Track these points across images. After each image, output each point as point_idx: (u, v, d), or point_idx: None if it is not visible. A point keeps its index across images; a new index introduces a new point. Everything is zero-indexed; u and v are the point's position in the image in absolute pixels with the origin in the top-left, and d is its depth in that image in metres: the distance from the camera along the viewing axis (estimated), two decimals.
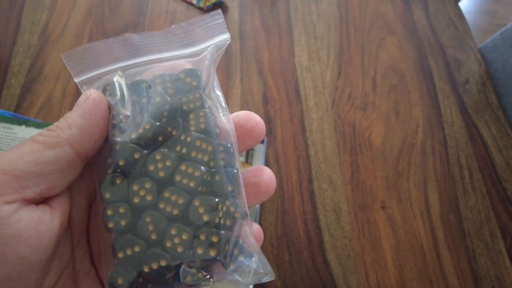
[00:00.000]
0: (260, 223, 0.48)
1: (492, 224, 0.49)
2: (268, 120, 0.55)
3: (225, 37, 0.21)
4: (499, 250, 0.47)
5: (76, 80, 0.20)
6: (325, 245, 0.47)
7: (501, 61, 0.60)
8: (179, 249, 0.17)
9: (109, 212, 0.17)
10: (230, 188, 0.18)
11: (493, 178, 0.52)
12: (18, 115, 0.51)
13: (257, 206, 0.47)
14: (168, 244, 0.17)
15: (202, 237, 0.17)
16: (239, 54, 0.60)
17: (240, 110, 0.55)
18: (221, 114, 0.20)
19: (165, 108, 0.19)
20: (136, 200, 0.18)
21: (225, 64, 0.59)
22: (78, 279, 0.18)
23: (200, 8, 0.64)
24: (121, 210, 0.17)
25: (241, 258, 0.17)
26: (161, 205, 0.17)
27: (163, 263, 0.17)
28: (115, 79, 0.20)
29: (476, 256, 0.47)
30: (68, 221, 0.19)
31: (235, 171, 0.19)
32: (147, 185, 0.18)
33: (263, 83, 0.58)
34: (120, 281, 0.16)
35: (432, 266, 0.46)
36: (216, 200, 0.18)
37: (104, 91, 0.20)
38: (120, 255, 0.17)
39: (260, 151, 0.51)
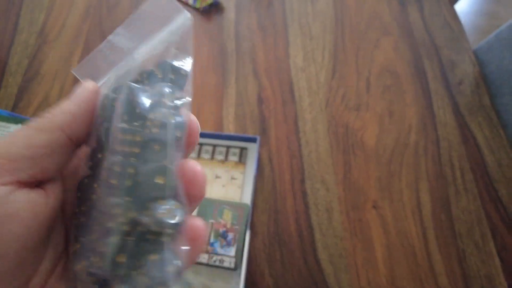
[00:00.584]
0: (252, 222, 0.49)
1: (483, 225, 0.49)
2: (262, 120, 0.55)
3: (186, 16, 0.21)
4: (490, 250, 0.48)
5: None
6: (316, 244, 0.48)
7: (495, 63, 0.61)
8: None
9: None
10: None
11: (485, 179, 0.52)
12: (15, 114, 0.52)
13: (249, 205, 0.47)
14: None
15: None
16: (234, 54, 0.61)
17: (235, 110, 0.56)
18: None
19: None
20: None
21: (221, 64, 0.60)
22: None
23: (196, 9, 0.64)
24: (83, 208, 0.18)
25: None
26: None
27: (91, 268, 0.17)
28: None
29: (466, 256, 0.47)
30: (62, 210, 0.19)
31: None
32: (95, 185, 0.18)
33: (258, 83, 0.58)
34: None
35: (423, 266, 0.47)
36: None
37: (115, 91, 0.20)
38: (75, 248, 0.18)
39: (253, 151, 0.51)
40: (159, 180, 0.17)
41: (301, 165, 0.52)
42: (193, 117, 0.20)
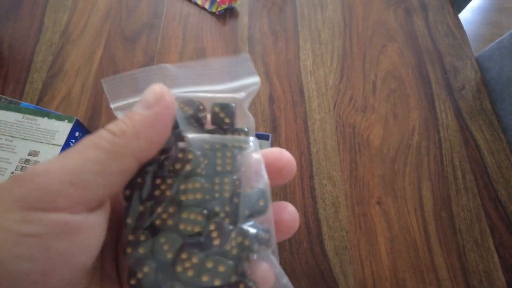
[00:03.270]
0: None
1: (482, 222, 0.52)
2: (273, 119, 0.58)
3: (255, 80, 0.21)
4: (488, 247, 0.50)
5: (112, 106, 0.20)
6: (323, 236, 0.50)
7: (496, 70, 0.64)
8: (190, 273, 0.17)
9: (130, 238, 0.17)
10: (247, 212, 0.18)
11: (484, 179, 0.55)
12: (41, 108, 0.55)
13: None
14: (179, 269, 0.17)
15: (209, 265, 0.17)
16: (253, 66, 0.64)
17: (248, 109, 0.59)
18: (250, 148, 0.19)
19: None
20: (158, 223, 0.18)
21: None
22: (104, 284, 0.18)
23: (212, 13, 0.68)
24: (142, 238, 0.17)
25: None
26: (181, 227, 0.17)
27: None
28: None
29: (466, 251, 0.50)
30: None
31: (261, 188, 0.18)
32: (171, 210, 0.18)
33: (269, 84, 0.61)
34: None
35: (424, 259, 0.49)
36: (231, 227, 0.17)
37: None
38: (133, 281, 0.17)
39: (265, 147, 0.54)
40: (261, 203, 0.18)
41: (310, 162, 0.55)
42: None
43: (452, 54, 0.66)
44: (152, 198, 0.18)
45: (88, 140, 0.16)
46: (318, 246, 0.50)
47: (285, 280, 0.18)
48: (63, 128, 0.53)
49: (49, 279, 0.13)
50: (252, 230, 0.17)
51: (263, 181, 0.18)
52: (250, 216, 0.18)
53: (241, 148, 0.19)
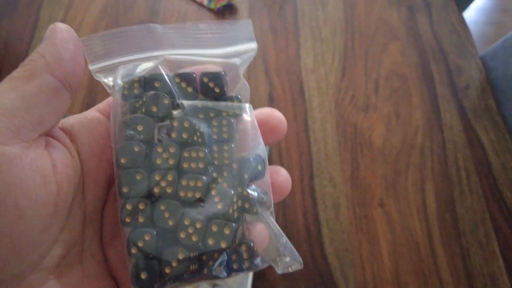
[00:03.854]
0: None
1: (487, 224, 0.50)
2: None
3: (253, 46, 0.20)
4: (493, 249, 0.49)
5: (91, 67, 0.19)
6: (323, 239, 0.49)
7: (501, 69, 0.62)
8: (194, 238, 0.17)
9: (128, 207, 0.17)
10: (246, 176, 0.18)
11: (489, 180, 0.53)
12: None
13: None
14: (182, 235, 0.17)
15: (214, 228, 0.17)
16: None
17: None
18: (245, 115, 0.19)
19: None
20: (156, 190, 0.18)
21: None
22: (84, 259, 0.18)
23: (210, 10, 0.66)
24: (141, 206, 0.17)
25: (246, 256, 0.17)
26: (181, 194, 0.17)
27: (180, 256, 0.17)
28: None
29: (470, 254, 0.48)
30: (81, 192, 0.18)
31: (258, 153, 0.19)
32: (169, 177, 0.18)
33: (269, 82, 0.60)
34: (143, 276, 0.16)
35: (427, 262, 0.48)
36: (232, 192, 0.18)
37: (132, 84, 0.19)
38: (133, 250, 0.17)
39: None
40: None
41: (310, 162, 0.53)
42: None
43: (456, 53, 0.64)
44: (149, 166, 0.18)
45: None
46: (318, 248, 0.48)
47: (284, 239, 0.19)
48: None
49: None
50: (252, 193, 0.18)
51: (260, 147, 0.19)
52: (249, 180, 0.18)
53: (236, 115, 0.19)
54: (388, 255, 0.48)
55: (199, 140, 0.18)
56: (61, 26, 0.17)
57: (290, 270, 0.18)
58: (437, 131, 0.57)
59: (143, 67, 0.20)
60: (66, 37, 0.17)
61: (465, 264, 0.48)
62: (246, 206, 0.18)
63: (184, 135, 0.18)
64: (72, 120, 0.19)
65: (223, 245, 0.17)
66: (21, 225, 0.14)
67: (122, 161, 0.18)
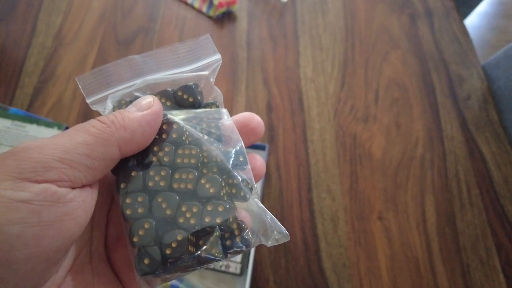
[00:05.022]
0: None
1: (488, 240, 0.49)
2: (271, 129, 0.56)
3: (217, 57, 0.23)
4: (494, 265, 0.48)
5: (88, 101, 0.22)
6: (321, 253, 0.48)
7: (503, 79, 0.61)
8: (192, 221, 0.19)
9: (128, 200, 0.19)
10: (229, 166, 0.20)
11: (490, 194, 0.52)
12: (30, 114, 0.53)
13: None
14: (181, 220, 0.19)
15: (209, 208, 0.19)
16: (245, 62, 0.62)
17: None
18: (224, 118, 0.22)
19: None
20: (151, 184, 0.20)
21: (231, 72, 0.61)
22: (93, 259, 0.20)
23: (209, 17, 0.66)
24: (140, 199, 0.19)
25: (237, 232, 0.19)
26: (175, 185, 0.20)
27: (179, 237, 0.18)
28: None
29: (470, 270, 0.48)
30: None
31: (238, 148, 0.21)
32: (162, 172, 0.20)
33: (267, 91, 0.59)
34: (146, 261, 0.18)
35: (426, 278, 0.47)
36: (219, 178, 0.20)
37: (119, 104, 0.22)
38: (135, 239, 0.18)
39: (263, 159, 0.52)
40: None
41: (308, 174, 0.53)
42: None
43: (458, 62, 0.63)
44: (142, 165, 0.20)
45: (79, 125, 0.18)
46: (315, 263, 0.47)
47: (269, 216, 0.20)
48: (52, 135, 0.51)
49: (41, 242, 0.15)
50: (237, 179, 0.20)
51: (239, 143, 0.22)
52: (233, 169, 0.20)
53: (216, 119, 0.22)
54: (387, 271, 0.47)
55: (189, 139, 0.21)
56: (157, 107, 0.20)
57: (277, 243, 0.20)
58: (437, 143, 0.56)
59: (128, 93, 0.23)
60: (155, 122, 0.20)
61: (465, 281, 0.47)
62: (233, 191, 0.20)
63: (174, 135, 0.21)
64: None
65: (218, 220, 0.19)
66: (67, 245, 0.17)
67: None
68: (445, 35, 0.66)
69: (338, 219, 0.50)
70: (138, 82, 0.22)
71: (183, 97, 0.22)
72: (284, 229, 0.20)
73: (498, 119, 0.58)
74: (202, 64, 0.23)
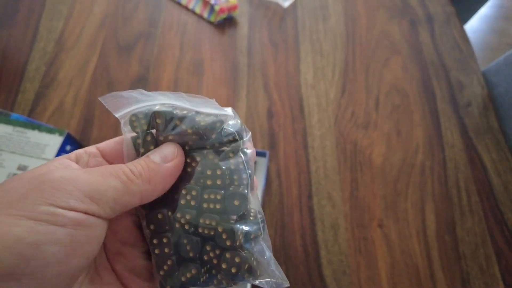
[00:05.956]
0: None
1: (488, 247, 0.49)
2: (271, 135, 0.56)
3: (229, 113, 0.24)
4: (494, 273, 0.48)
5: (117, 115, 0.23)
6: (321, 260, 0.48)
7: (504, 85, 0.61)
8: (214, 261, 0.22)
9: (154, 241, 0.22)
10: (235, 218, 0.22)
11: (491, 201, 0.52)
12: (32, 120, 0.53)
13: None
14: (206, 258, 0.22)
15: (228, 256, 0.22)
16: (246, 68, 0.62)
17: (245, 123, 0.57)
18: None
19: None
20: (177, 226, 0.22)
21: (232, 78, 0.61)
22: (99, 271, 0.22)
23: (210, 22, 0.66)
24: (165, 240, 0.22)
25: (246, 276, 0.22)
26: (200, 230, 0.22)
27: (194, 271, 0.22)
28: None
29: (470, 278, 0.48)
30: None
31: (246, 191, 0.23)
32: (188, 216, 0.22)
33: (268, 97, 0.59)
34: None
35: (426, 286, 0.47)
36: (237, 226, 0.22)
37: (134, 120, 0.23)
38: (161, 272, 0.22)
39: (262, 165, 0.52)
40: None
41: (309, 180, 0.53)
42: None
43: (458, 69, 0.63)
44: (167, 206, 0.23)
45: (111, 167, 0.20)
46: (315, 270, 0.47)
47: (270, 255, 0.23)
48: (54, 141, 0.51)
49: (71, 261, 0.18)
50: (246, 228, 0.22)
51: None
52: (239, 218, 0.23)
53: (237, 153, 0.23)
54: (387, 279, 0.47)
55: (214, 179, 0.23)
56: (179, 160, 0.22)
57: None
58: (438, 150, 0.56)
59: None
60: (175, 174, 0.22)
61: None
62: (241, 240, 0.22)
63: (199, 168, 0.23)
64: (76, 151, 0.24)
65: (233, 270, 0.21)
66: (89, 263, 0.19)
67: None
68: (446, 41, 0.66)
69: (339, 226, 0.50)
70: (160, 102, 0.24)
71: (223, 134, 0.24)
72: (283, 275, 0.22)
73: (498, 126, 0.58)
74: (216, 112, 0.24)
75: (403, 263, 0.48)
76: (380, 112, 0.59)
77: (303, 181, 0.53)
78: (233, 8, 0.64)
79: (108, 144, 0.24)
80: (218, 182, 0.22)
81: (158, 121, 0.23)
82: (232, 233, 0.22)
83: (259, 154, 0.53)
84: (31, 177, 0.18)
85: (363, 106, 0.59)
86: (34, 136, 0.51)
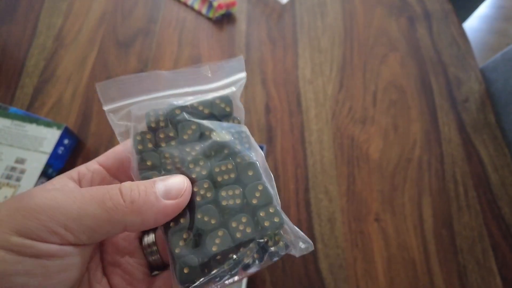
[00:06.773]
0: None
1: (485, 241, 0.49)
2: (269, 130, 0.56)
3: (243, 75, 0.24)
4: (490, 267, 0.48)
5: (105, 108, 0.22)
6: (318, 254, 0.48)
7: (501, 82, 0.61)
8: (248, 230, 0.20)
9: (177, 251, 0.20)
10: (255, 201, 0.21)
11: (488, 196, 0.52)
12: (30, 114, 0.53)
13: None
14: (238, 235, 0.20)
15: (262, 214, 0.20)
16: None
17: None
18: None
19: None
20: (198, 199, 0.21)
21: None
22: (92, 285, 0.21)
23: (209, 18, 0.66)
24: (185, 236, 0.20)
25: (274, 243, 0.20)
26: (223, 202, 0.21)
27: (220, 233, 0.20)
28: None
29: (467, 272, 0.48)
30: None
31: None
32: (213, 219, 0.21)
33: (266, 93, 0.59)
34: (186, 271, 0.19)
35: (423, 280, 0.47)
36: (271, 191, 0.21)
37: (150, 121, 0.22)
38: (177, 250, 0.20)
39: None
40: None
41: (306, 175, 0.53)
42: None
43: (456, 65, 0.64)
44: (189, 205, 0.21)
45: (100, 190, 0.18)
46: (312, 264, 0.47)
47: (293, 226, 0.21)
48: (52, 135, 0.51)
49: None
50: (267, 221, 0.20)
51: (258, 153, 0.23)
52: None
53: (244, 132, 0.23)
54: (383, 272, 0.47)
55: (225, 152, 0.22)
56: (187, 194, 0.20)
57: (304, 252, 0.21)
58: (435, 145, 0.56)
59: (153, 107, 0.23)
60: (182, 205, 0.20)
61: (461, 282, 0.47)
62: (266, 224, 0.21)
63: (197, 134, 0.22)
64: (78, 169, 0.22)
65: (277, 219, 0.20)
66: (66, 285, 0.19)
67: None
68: (444, 38, 0.66)
69: (335, 220, 0.50)
70: (162, 94, 0.22)
71: (220, 105, 0.23)
72: (308, 239, 0.21)
73: (495, 122, 0.58)
74: (228, 81, 0.24)
75: (399, 257, 0.48)
76: (377, 108, 0.59)
77: (300, 175, 0.53)
78: (231, 4, 0.64)
79: (108, 158, 0.23)
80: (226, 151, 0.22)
81: (178, 111, 0.22)
82: (268, 196, 0.21)
83: None
84: (11, 202, 0.17)
85: (361, 102, 0.59)
86: (32, 129, 0.52)
